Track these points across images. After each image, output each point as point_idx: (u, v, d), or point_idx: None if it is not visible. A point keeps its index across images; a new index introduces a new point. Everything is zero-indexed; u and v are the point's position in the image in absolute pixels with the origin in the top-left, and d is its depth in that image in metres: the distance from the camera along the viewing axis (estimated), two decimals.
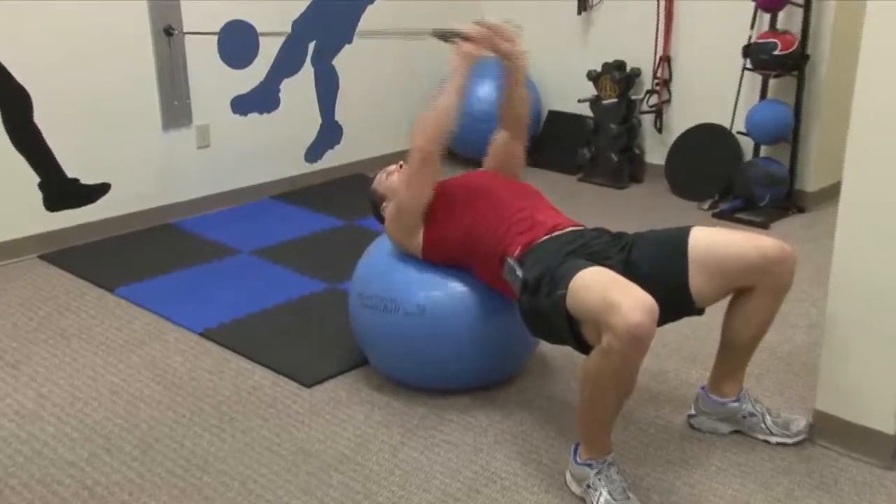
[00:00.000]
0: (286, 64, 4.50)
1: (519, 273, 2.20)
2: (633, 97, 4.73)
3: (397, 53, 5.00)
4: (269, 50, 4.40)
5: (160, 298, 3.30)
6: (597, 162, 4.80)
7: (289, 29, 4.46)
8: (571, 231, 2.32)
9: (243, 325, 3.09)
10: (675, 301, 2.12)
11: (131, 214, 4.02)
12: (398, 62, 5.03)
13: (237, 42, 4.26)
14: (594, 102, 4.77)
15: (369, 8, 4.73)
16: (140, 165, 4.03)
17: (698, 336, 2.93)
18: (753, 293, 2.19)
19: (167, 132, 4.09)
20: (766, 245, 2.16)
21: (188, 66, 4.08)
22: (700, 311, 2.22)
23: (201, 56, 4.14)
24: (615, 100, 4.67)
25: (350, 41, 4.73)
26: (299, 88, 4.56)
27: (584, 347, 2.07)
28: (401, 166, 2.59)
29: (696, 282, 2.14)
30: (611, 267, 2.11)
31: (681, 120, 4.64)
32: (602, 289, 1.96)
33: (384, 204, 2.57)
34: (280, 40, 4.43)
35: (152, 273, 3.54)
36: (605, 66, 4.73)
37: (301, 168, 4.65)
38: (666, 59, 4.61)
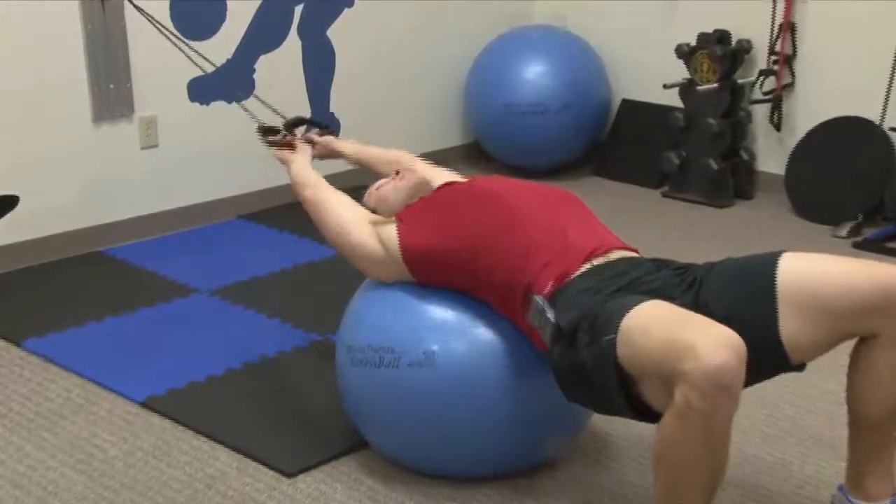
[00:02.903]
0: (263, 35, 4.53)
1: (550, 316, 2.21)
2: (741, 81, 4.72)
3: (414, 21, 5.03)
4: (239, 15, 4.42)
5: (87, 354, 3.29)
6: (689, 170, 4.79)
7: None
8: (621, 259, 2.33)
9: (201, 391, 3.09)
10: (762, 354, 2.06)
11: (47, 239, 4.03)
12: (415, 33, 5.05)
13: (196, 4, 4.27)
14: (686, 89, 4.78)
15: None
16: (60, 171, 4.03)
17: (822, 409, 2.89)
18: (878, 343, 2.15)
19: (99, 126, 4.11)
20: (887, 275, 2.11)
21: (129, 36, 4.11)
22: (799, 367, 2.20)
23: (147, 24, 4.07)
24: (715, 85, 4.67)
25: (350, 4, 4.76)
26: (281, 68, 4.58)
27: (643, 413, 2.09)
28: (397, 174, 2.73)
29: (790, 328, 2.12)
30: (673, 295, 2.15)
31: (808, 112, 4.63)
32: (667, 329, 1.97)
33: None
34: (255, 2, 4.45)
35: (76, 320, 3.54)
36: (702, 38, 4.73)
37: (281, 177, 4.54)
38: (788, 28, 4.60)
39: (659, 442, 2.00)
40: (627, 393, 2.07)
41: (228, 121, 4.46)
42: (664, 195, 4.86)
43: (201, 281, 3.86)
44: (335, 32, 4.75)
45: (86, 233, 4.11)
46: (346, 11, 4.75)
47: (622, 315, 2.04)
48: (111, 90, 4.09)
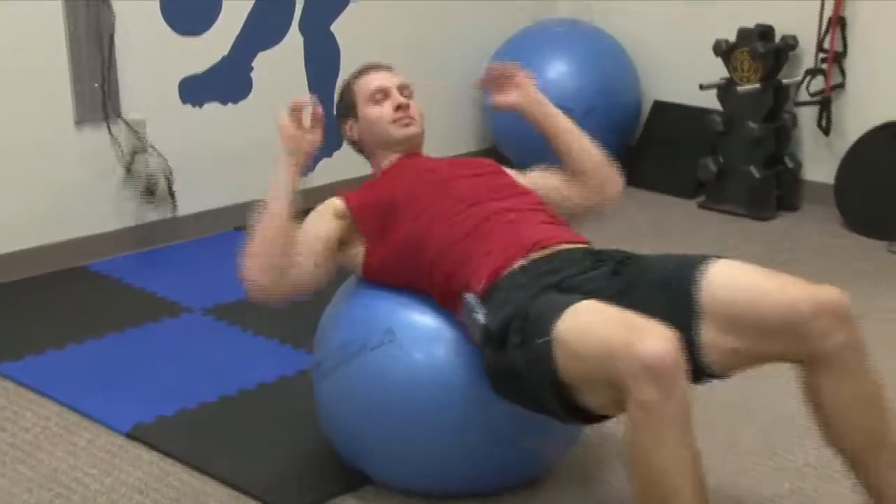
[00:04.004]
0: (262, 30, 4.52)
1: (480, 317, 2.34)
2: (786, 81, 4.71)
3: (427, 15, 5.01)
4: (236, 8, 4.42)
5: (67, 380, 3.29)
6: (728, 179, 4.78)
7: None
8: (558, 253, 2.46)
9: (192, 419, 3.08)
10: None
11: (24, 252, 4.03)
12: (427, 28, 5.03)
13: None
14: (725, 89, 4.76)
15: None
16: (39, 178, 4.03)
17: None
18: (812, 372, 2.25)
19: (82, 129, 4.11)
20: (802, 293, 2.22)
21: (116, 31, 4.10)
22: (717, 376, 2.33)
23: (135, 17, 4.15)
24: (757, 85, 4.66)
25: None
26: (281, 66, 4.58)
27: (578, 414, 2.25)
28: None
29: (709, 340, 2.25)
30: (605, 294, 2.30)
31: (860, 116, 4.61)
32: (602, 329, 2.12)
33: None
34: None
35: (55, 342, 3.53)
36: (742, 33, 4.71)
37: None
38: (838, 23, 4.58)
39: (627, 450, 2.10)
40: (561, 394, 2.20)
41: (224, 124, 4.47)
42: (700, 206, 4.85)
43: (193, 298, 3.86)
44: (340, 27, 4.75)
45: (67, 246, 4.11)
46: (352, 4, 4.75)
47: (556, 317, 2.18)
48: (95, 90, 4.09)
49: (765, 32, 4.69)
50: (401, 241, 2.58)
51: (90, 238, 4.16)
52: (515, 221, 2.53)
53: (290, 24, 4.60)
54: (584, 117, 4.86)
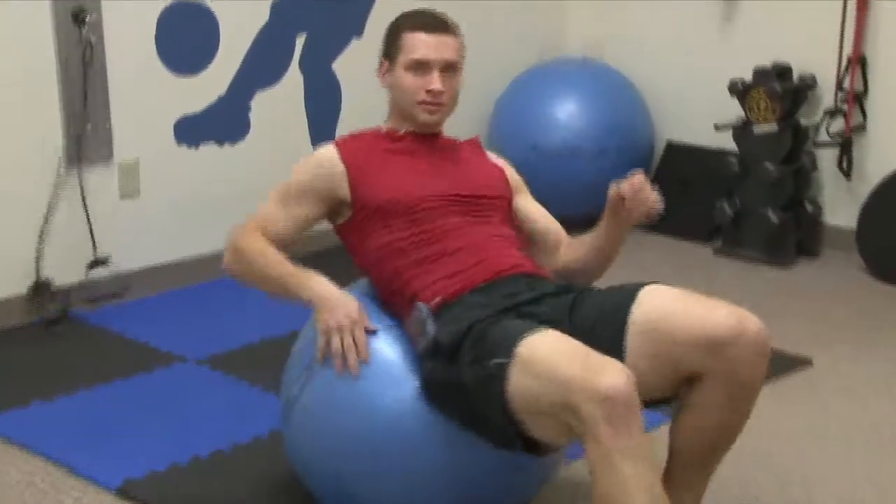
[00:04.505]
0: (261, 69, 4.54)
1: (430, 329, 2.47)
2: (804, 122, 4.72)
3: None
4: (234, 47, 4.45)
5: (53, 433, 3.27)
6: (745, 223, 4.78)
7: (266, 16, 4.52)
8: (518, 277, 2.59)
9: (185, 475, 3.05)
10: None
11: (10, 300, 4.03)
12: None
13: (186, 34, 4.30)
14: (741, 130, 4.78)
15: None
16: (27, 223, 4.03)
17: None
18: (703, 382, 2.40)
19: (72, 172, 4.10)
20: (718, 317, 2.37)
21: (108, 70, 4.12)
22: (648, 403, 2.40)
23: (129, 55, 4.17)
24: (774, 126, 4.66)
25: (359, 33, 4.76)
26: (280, 106, 4.60)
27: (517, 441, 2.36)
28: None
29: (635, 363, 2.37)
30: (555, 300, 2.48)
31: (882, 158, 4.63)
32: (560, 361, 2.22)
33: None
34: (252, 33, 4.47)
35: (42, 393, 3.51)
36: (759, 72, 4.73)
37: None
38: (858, 62, 4.59)
39: (591, 480, 2.22)
40: (506, 417, 2.31)
41: (219, 166, 4.47)
42: (716, 251, 4.85)
43: (187, 348, 3.84)
44: (341, 66, 4.77)
45: (54, 294, 4.08)
46: (354, 42, 4.76)
47: (516, 341, 2.30)
48: (87, 131, 4.09)
49: (782, 71, 4.70)
50: (379, 246, 2.67)
51: (80, 286, 4.15)
52: (487, 248, 2.62)
53: (289, 62, 4.61)
54: (595, 158, 4.93)
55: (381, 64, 2.80)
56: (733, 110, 4.78)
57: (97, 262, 4.18)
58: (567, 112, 4.94)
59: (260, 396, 3.48)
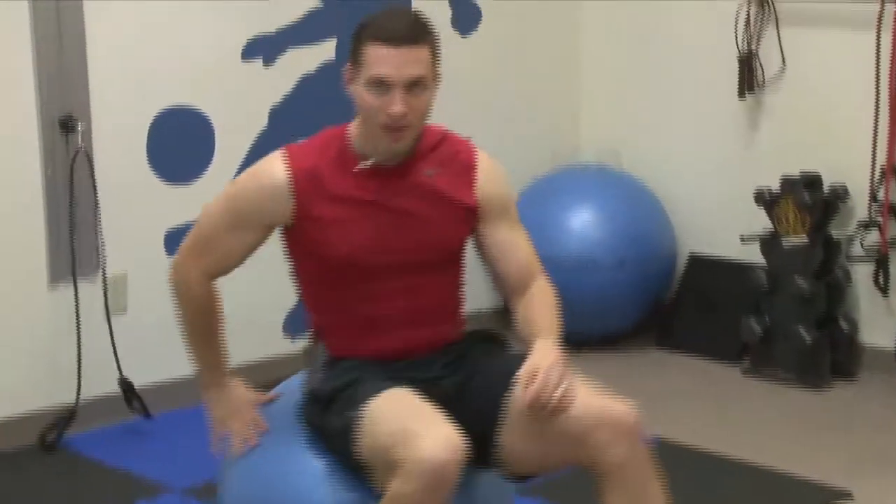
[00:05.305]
0: None
1: (317, 376, 2.70)
2: (836, 234, 4.70)
3: None
4: (231, 154, 4.46)
5: None
6: (775, 342, 4.75)
7: (265, 121, 4.54)
8: (428, 359, 2.71)
9: None
10: (480, 456, 2.56)
11: None
12: None
13: (179, 141, 4.32)
14: (768, 242, 4.76)
15: None
16: (4, 344, 4.03)
17: None
18: (599, 481, 2.53)
19: (56, 288, 4.12)
20: (592, 404, 2.51)
21: (97, 179, 4.12)
22: (519, 478, 2.68)
23: (119, 163, 4.19)
24: (804, 238, 4.65)
25: None
26: None
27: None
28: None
29: (509, 439, 2.58)
30: (439, 391, 2.61)
31: None
32: (399, 417, 2.46)
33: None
34: (250, 139, 4.49)
35: None
36: (787, 181, 4.73)
37: (278, 347, 4.64)
38: (893, 172, 4.59)
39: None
40: (358, 467, 2.54)
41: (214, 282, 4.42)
42: (745, 372, 4.80)
43: (173, 477, 3.82)
44: None
45: (32, 420, 4.06)
46: None
47: (368, 397, 2.52)
48: (73, 243, 4.08)
49: (811, 181, 4.69)
50: (310, 275, 2.79)
51: (61, 410, 4.11)
52: (410, 324, 2.70)
53: None
54: (613, 271, 4.89)
55: (345, 71, 2.68)
56: (760, 221, 4.77)
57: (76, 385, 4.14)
58: (582, 222, 4.92)
59: None
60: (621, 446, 2.48)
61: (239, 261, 2.79)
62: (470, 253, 2.82)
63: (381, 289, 2.69)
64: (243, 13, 4.44)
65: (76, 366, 4.13)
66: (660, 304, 5.16)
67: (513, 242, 2.79)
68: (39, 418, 4.06)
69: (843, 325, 4.70)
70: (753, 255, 4.82)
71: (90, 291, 4.16)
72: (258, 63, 4.50)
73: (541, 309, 2.71)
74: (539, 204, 5.05)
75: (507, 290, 2.78)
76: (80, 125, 4.02)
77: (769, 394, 4.60)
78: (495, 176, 2.82)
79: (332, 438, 2.59)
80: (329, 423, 2.60)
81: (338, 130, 2.74)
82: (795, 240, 4.64)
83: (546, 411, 2.46)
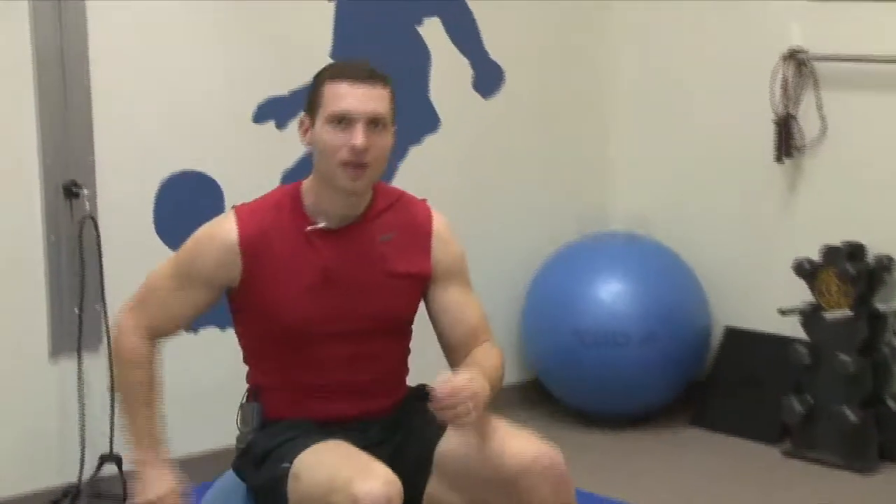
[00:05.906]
0: None
1: (248, 437, 2.81)
2: (882, 308, 4.67)
3: (458, 229, 4.97)
4: None
5: None
6: (818, 422, 4.72)
7: (276, 185, 4.49)
8: (366, 424, 2.81)
9: None
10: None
11: None
12: (468, 238, 4.99)
13: (187, 208, 4.31)
14: (810, 316, 4.74)
15: (413, 150, 4.82)
16: (5, 420, 4.04)
17: None
18: None
19: (57, 361, 4.12)
20: (520, 448, 2.61)
21: (103, 247, 4.14)
22: None
23: (125, 231, 4.21)
24: (848, 311, 4.62)
25: None
26: None
27: None
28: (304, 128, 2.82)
29: (439, 489, 2.71)
30: (377, 455, 2.62)
31: None
32: (333, 463, 2.54)
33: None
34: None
35: None
36: (829, 252, 4.71)
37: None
38: None
39: None
40: None
41: (224, 351, 4.34)
42: (785, 454, 4.75)
43: None
44: None
45: (40, 497, 4.07)
46: None
47: (300, 450, 2.61)
48: (76, 315, 4.09)
49: (854, 251, 4.67)
50: (250, 335, 2.87)
51: (55, 490, 4.11)
52: (351, 393, 2.79)
53: None
54: (644, 346, 4.84)
55: (301, 122, 2.78)
56: (800, 293, 4.73)
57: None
58: (610, 293, 4.90)
59: None
60: (550, 488, 2.58)
61: (184, 322, 2.85)
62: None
63: (325, 357, 2.76)
64: (255, 74, 4.47)
65: (79, 443, 4.13)
66: (694, 381, 5.12)
67: (463, 304, 2.89)
68: (42, 496, 4.07)
69: (891, 404, 4.65)
70: (793, 329, 4.79)
71: (93, 364, 4.16)
72: (270, 126, 4.52)
73: (483, 358, 2.78)
74: (564, 274, 5.05)
75: (453, 352, 2.86)
76: (84, 191, 4.05)
77: (812, 478, 4.56)
78: (449, 238, 2.93)
79: (265, 494, 2.69)
80: (260, 478, 2.71)
81: (290, 188, 2.84)
82: (838, 313, 4.61)
83: (449, 412, 2.55)
